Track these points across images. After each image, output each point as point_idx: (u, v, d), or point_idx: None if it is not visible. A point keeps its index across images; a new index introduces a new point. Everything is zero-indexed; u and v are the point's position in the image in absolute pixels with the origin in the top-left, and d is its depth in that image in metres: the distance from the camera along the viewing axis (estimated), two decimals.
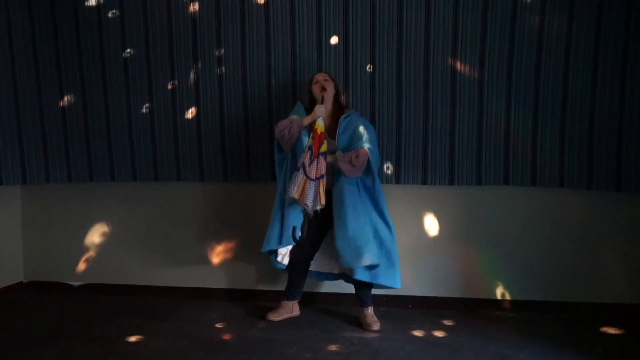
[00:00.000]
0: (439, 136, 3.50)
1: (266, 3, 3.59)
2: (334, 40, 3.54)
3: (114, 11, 3.72)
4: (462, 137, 3.48)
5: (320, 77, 3.31)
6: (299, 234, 3.22)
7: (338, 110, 3.34)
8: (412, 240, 3.64)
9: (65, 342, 3.02)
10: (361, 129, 3.19)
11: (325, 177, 3.07)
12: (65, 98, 3.82)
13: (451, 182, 3.53)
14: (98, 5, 3.72)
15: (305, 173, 3.04)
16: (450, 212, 3.61)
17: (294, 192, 3.06)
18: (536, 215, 3.54)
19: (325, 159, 3.09)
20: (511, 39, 3.37)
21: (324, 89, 3.26)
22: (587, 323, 3.33)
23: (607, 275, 3.48)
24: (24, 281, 4.09)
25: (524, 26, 3.35)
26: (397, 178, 3.57)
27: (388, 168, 3.58)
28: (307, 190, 3.03)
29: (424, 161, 3.53)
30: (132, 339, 3.07)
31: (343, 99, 3.45)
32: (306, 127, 3.20)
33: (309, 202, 3.04)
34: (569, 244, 3.51)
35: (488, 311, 3.54)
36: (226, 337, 3.11)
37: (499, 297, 3.58)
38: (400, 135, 3.54)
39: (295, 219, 3.19)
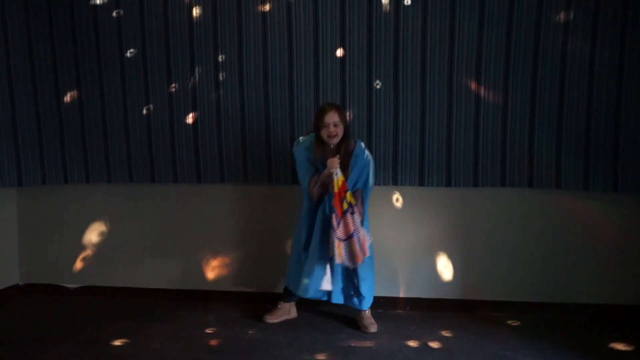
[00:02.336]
0: (436, 138, 3.51)
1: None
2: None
3: (111, 12, 3.70)
4: (459, 139, 3.49)
5: (330, 120, 3.09)
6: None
7: (345, 145, 3.18)
8: (408, 242, 3.64)
9: (61, 345, 3.00)
10: (365, 173, 3.17)
11: (357, 235, 3.01)
12: (61, 99, 3.80)
13: (448, 184, 3.53)
14: (94, 5, 3.71)
15: (336, 236, 3.03)
16: (447, 213, 3.61)
17: (337, 257, 3.03)
18: (533, 217, 3.54)
19: (352, 213, 3.02)
20: (507, 42, 3.38)
21: (333, 136, 3.11)
22: (585, 324, 3.34)
23: (605, 276, 3.49)
24: (20, 283, 4.07)
25: (520, 29, 3.35)
26: (395, 179, 3.57)
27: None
28: (342, 251, 3.03)
29: (421, 163, 3.54)
30: (129, 341, 3.06)
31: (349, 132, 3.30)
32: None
33: (346, 262, 3.04)
34: (566, 245, 3.52)
35: (485, 312, 3.54)
36: (223, 339, 3.10)
37: (496, 298, 3.58)
38: (398, 137, 3.54)
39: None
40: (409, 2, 3.43)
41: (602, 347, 3.00)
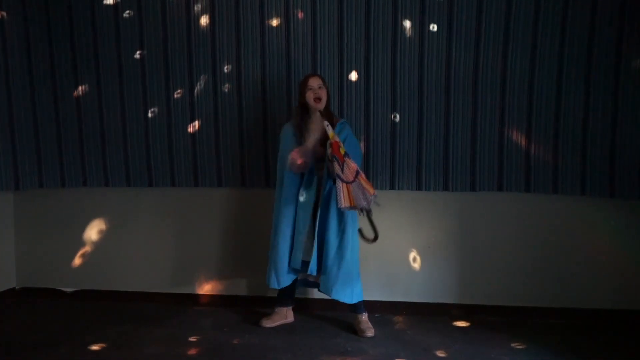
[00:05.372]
0: (434, 142, 3.51)
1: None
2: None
3: (109, 16, 3.70)
4: (457, 144, 3.49)
5: (314, 83, 3.22)
6: (371, 234, 3.09)
7: (328, 115, 3.27)
8: (406, 246, 3.64)
9: (58, 349, 3.00)
10: (349, 143, 3.20)
11: (361, 172, 3.01)
12: (59, 103, 3.80)
13: (445, 188, 3.53)
14: (93, 10, 3.71)
15: (343, 181, 3.01)
16: (444, 217, 3.62)
17: (344, 202, 3.02)
18: (530, 221, 3.54)
19: (350, 157, 3.02)
20: (505, 43, 3.39)
21: (318, 99, 3.21)
22: (583, 329, 3.34)
23: (603, 281, 3.49)
24: (16, 287, 4.06)
25: (517, 28, 3.36)
26: (392, 184, 3.57)
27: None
28: (354, 193, 2.99)
29: (418, 167, 3.54)
30: (126, 345, 3.05)
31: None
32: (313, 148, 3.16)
33: (362, 202, 2.99)
34: (563, 250, 3.51)
35: (483, 317, 3.53)
36: (220, 343, 3.09)
37: (494, 303, 3.58)
38: (395, 141, 3.55)
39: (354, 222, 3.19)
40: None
41: (601, 352, 3.00)
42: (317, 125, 3.21)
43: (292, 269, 3.28)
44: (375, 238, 3.07)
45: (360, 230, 3.13)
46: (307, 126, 3.24)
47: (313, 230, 3.20)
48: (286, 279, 3.27)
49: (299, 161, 3.13)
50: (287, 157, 3.18)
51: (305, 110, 3.26)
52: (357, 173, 2.98)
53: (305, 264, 3.21)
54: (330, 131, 3.07)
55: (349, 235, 3.19)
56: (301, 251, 3.21)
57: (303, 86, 3.25)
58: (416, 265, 3.65)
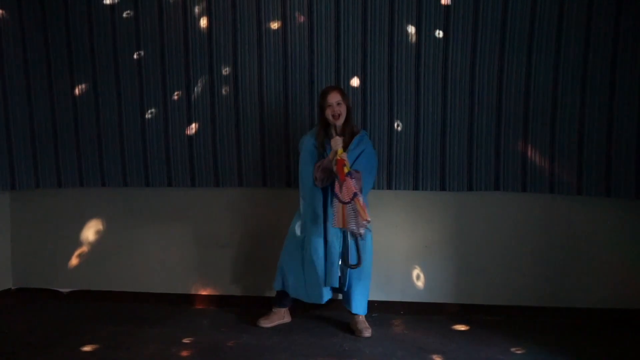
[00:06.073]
0: (431, 142, 3.52)
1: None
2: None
3: (106, 17, 3.69)
4: (453, 143, 3.50)
5: (333, 100, 3.16)
6: (354, 260, 3.12)
7: (349, 128, 3.24)
8: (403, 245, 3.65)
9: (55, 350, 2.99)
10: (365, 156, 3.22)
11: (359, 195, 2.98)
12: (55, 103, 3.80)
13: (442, 188, 3.54)
14: (89, 8, 3.70)
15: (339, 200, 3.02)
16: (441, 217, 3.62)
17: (337, 222, 3.04)
18: (527, 221, 3.55)
19: (352, 177, 3.01)
20: (501, 45, 3.40)
21: (336, 115, 3.17)
22: (578, 328, 3.35)
23: (598, 280, 3.50)
24: (12, 288, 4.05)
25: (513, 31, 3.37)
26: (389, 184, 3.58)
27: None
28: (347, 215, 2.99)
29: (415, 167, 3.55)
30: (123, 346, 3.05)
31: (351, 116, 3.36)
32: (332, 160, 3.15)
33: (353, 225, 2.99)
34: (559, 249, 3.53)
35: (479, 317, 3.54)
36: (218, 343, 3.09)
37: (490, 302, 3.58)
38: (392, 141, 3.55)
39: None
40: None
41: (596, 351, 3.00)
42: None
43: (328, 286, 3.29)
44: (358, 264, 3.10)
45: (343, 254, 3.14)
46: (326, 139, 3.24)
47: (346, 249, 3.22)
48: (327, 293, 3.27)
49: (318, 176, 3.17)
50: (310, 171, 3.21)
51: (327, 123, 3.24)
52: (355, 195, 2.96)
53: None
54: (338, 147, 3.07)
55: (367, 244, 3.21)
56: (338, 270, 3.21)
57: (322, 101, 3.21)
58: (413, 265, 3.65)
